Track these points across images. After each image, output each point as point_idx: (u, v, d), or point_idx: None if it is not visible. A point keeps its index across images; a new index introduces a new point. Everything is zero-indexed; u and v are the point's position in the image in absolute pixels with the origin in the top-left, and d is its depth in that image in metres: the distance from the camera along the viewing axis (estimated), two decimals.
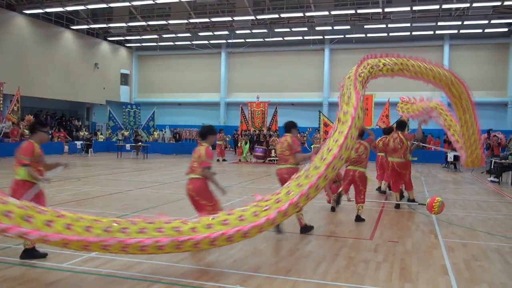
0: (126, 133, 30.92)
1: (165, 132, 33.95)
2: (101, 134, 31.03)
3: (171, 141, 31.31)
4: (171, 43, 33.91)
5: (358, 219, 8.05)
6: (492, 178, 15.57)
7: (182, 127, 34.53)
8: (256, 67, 33.53)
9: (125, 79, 36.06)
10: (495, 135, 22.40)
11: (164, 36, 32.48)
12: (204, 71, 34.96)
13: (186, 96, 35.10)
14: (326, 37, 30.95)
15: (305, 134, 24.89)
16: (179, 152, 28.19)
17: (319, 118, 23.96)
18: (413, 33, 28.51)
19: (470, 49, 29.21)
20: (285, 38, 31.15)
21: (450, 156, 19.33)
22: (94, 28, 31.44)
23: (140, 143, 25.25)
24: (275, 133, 23.34)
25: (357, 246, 6.35)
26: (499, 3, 22.55)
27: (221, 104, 34.11)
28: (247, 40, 32.31)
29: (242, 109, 25.17)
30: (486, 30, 27.26)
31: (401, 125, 10.07)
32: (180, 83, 35.38)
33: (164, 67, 36.03)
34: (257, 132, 24.75)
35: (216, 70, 34.38)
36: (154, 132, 31.29)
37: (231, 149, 30.97)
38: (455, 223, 8.16)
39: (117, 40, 34.37)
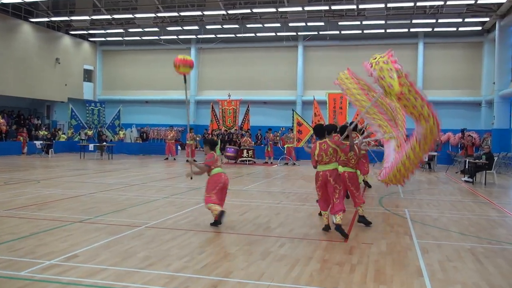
0: (89, 133, 30.39)
1: (131, 131, 33.52)
2: (63, 133, 30.36)
3: (138, 141, 30.93)
4: (138, 38, 33.46)
5: (363, 220, 8.04)
6: (466, 178, 15.99)
7: (149, 126, 34.17)
8: (228, 64, 33.47)
9: (88, 75, 35.38)
10: (469, 135, 23.09)
11: (131, 30, 32.02)
12: (173, 68, 34.55)
13: (154, 93, 34.71)
14: (299, 33, 31.15)
15: (278, 134, 25.00)
16: (146, 152, 27.87)
17: (293, 117, 24.11)
18: (388, 30, 29.01)
19: (444, 48, 29.93)
20: (258, 34, 31.19)
21: (425, 155, 19.78)
22: (55, 21, 30.70)
23: (104, 143, 24.86)
24: (247, 132, 23.36)
25: (331, 248, 6.42)
26: (472, 2, 23.18)
27: (191, 102, 33.88)
28: (218, 35, 32.20)
29: (212, 108, 25.09)
30: (460, 29, 27.98)
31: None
32: (147, 80, 34.95)
33: (130, 63, 35.53)
34: (227, 131, 24.71)
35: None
36: (120, 132, 30.85)
37: (201, 149, 30.79)
38: (429, 223, 8.35)
39: (80, 34, 33.68)
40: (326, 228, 7.47)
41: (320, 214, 8.35)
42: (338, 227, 7.08)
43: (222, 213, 7.58)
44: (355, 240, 6.95)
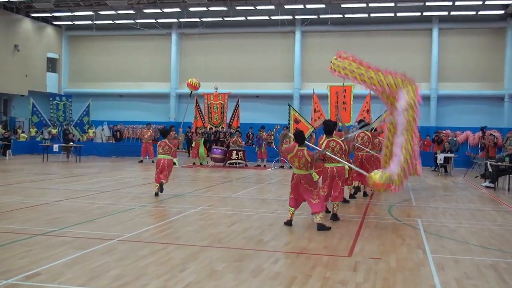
0: (54, 131, 30.16)
1: (102, 129, 33.35)
2: (23, 132, 30.14)
3: (110, 141, 30.79)
4: (110, 22, 33.28)
5: (335, 217, 9.34)
6: (487, 183, 16.09)
7: (123, 124, 33.99)
8: (214, 52, 33.40)
9: (52, 64, 35.14)
10: (491, 134, 23.22)
11: (102, 13, 31.84)
12: (151, 56, 34.53)
13: (129, 86, 34.54)
14: (297, 17, 31.17)
15: (272, 132, 24.99)
16: (120, 154, 27.75)
17: (289, 113, 24.12)
18: (398, 14, 29.12)
19: (461, 34, 30.07)
20: (248, 18, 31.16)
21: (440, 157, 19.87)
22: (13, 1, 30.48)
23: (71, 143, 24.71)
24: (237, 131, 23.35)
25: (333, 264, 6.42)
26: None
27: (172, 96, 33.78)
28: (203, 19, 32.13)
29: (197, 102, 25.01)
30: (480, 12, 28.14)
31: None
32: (121, 71, 34.78)
33: (101, 50, 35.33)
34: (214, 129, 24.67)
35: (166, 55, 34.02)
36: (89, 130, 30.67)
37: (183, 150, 30.74)
38: (445, 235, 8.39)
39: (42, 17, 33.42)
40: (288, 223, 8.88)
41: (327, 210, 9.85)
42: (320, 226, 8.49)
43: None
44: (360, 254, 6.96)
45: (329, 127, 9.55)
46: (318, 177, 9.12)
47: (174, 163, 12.75)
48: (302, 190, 8.68)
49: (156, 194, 12.20)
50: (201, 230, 8.37)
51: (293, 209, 8.91)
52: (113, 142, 30.25)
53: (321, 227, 8.48)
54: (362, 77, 9.58)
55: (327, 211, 9.94)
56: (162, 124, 33.26)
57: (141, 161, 23.57)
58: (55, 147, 24.36)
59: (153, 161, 23.37)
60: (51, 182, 15.07)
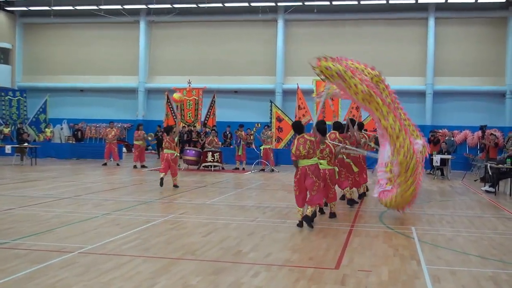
0: (6, 130, 29.77)
1: (61, 128, 33.01)
2: None
3: (70, 141, 30.46)
4: (71, 8, 32.95)
5: (333, 215, 10.51)
6: (487, 188, 16.30)
7: (85, 122, 33.72)
8: (187, 43, 33.31)
9: (4, 56, 34.66)
10: (491, 133, 23.52)
11: None
12: (117, 47, 34.31)
13: (92, 80, 34.27)
14: (279, 4, 31.26)
15: (252, 132, 25.01)
16: (82, 155, 27.47)
17: (271, 110, 24.25)
18: (390, 1, 29.41)
19: (459, 24, 30.45)
20: (226, 5, 31.17)
21: (436, 159, 20.08)
22: None
23: (26, 144, 24.40)
24: (213, 130, 23.30)
25: (318, 277, 6.45)
26: None
27: (140, 91, 33.60)
28: (175, 5, 32.05)
29: (168, 98, 24.92)
30: (480, 0, 28.56)
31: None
32: (83, 63, 34.48)
33: (60, 40, 34.98)
34: (187, 128, 24.60)
35: (133, 45, 33.82)
36: (46, 129, 30.33)
37: (153, 151, 30.57)
38: (441, 245, 8.49)
39: None
40: (300, 225, 9.59)
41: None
42: (306, 218, 9.43)
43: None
44: (348, 267, 7.00)
45: (296, 127, 10.18)
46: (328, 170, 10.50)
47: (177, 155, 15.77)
48: (306, 179, 9.54)
49: (161, 184, 14.92)
50: (173, 240, 8.34)
51: (302, 209, 9.71)
52: (73, 142, 29.89)
53: (307, 220, 9.42)
54: (354, 90, 10.14)
55: (322, 211, 11.04)
56: (128, 123, 33.18)
57: (105, 164, 23.38)
58: (7, 148, 24.03)
59: (118, 164, 23.26)
60: (2, 187, 14.87)
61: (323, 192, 10.10)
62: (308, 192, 9.64)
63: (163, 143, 15.86)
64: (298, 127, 9.98)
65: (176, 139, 16.18)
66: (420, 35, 30.50)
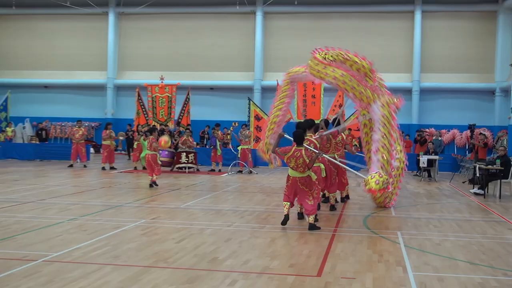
0: None
1: (24, 127, 32.64)
2: None
3: (33, 141, 30.15)
4: None
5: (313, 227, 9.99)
6: (475, 190, 16.46)
7: (50, 121, 33.40)
8: (160, 36, 33.17)
9: None
10: (480, 133, 23.82)
11: None
12: (84, 40, 34.03)
13: (57, 75, 33.96)
14: None
15: (229, 131, 25.00)
16: (46, 157, 27.20)
17: (249, 108, 24.24)
18: None
19: (447, 18, 30.80)
20: None
21: (423, 160, 20.25)
22: None
23: None
24: (187, 129, 23.22)
25: (300, 285, 6.45)
26: None
27: (109, 88, 33.38)
28: None
29: (139, 95, 24.80)
30: None
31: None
32: (47, 57, 34.17)
33: (23, 32, 34.61)
34: (159, 127, 24.48)
35: (102, 38, 33.58)
36: (7, 128, 29.96)
37: (123, 152, 30.39)
38: (429, 250, 8.56)
39: None
40: (285, 221, 9.94)
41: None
42: (312, 226, 9.79)
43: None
44: (331, 274, 7.03)
45: (297, 138, 10.16)
46: (316, 176, 10.32)
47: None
48: (298, 191, 9.96)
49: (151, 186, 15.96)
50: (144, 247, 8.30)
51: (288, 203, 10.10)
52: (37, 142, 29.59)
53: (312, 227, 9.80)
54: (337, 81, 11.04)
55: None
56: (96, 121, 32.94)
57: (71, 166, 23.16)
58: None
59: (85, 166, 23.07)
60: None
61: (319, 198, 10.67)
62: (301, 202, 10.13)
63: (147, 144, 16.51)
64: (300, 138, 9.98)
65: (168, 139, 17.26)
66: (406, 30, 30.78)
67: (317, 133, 11.63)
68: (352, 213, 12.21)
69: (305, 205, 9.92)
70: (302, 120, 14.45)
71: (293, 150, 9.83)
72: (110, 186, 16.84)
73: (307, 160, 9.72)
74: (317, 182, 10.51)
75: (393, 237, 9.53)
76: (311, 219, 9.86)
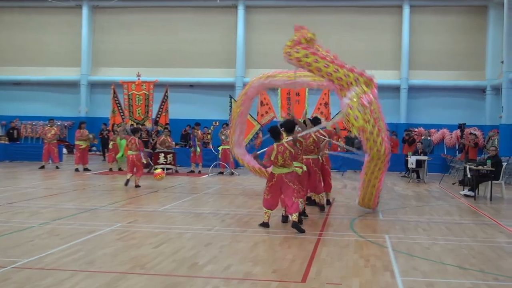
0: None
1: None
2: None
3: (3, 141, 29.87)
4: None
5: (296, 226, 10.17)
6: (466, 191, 16.60)
7: (20, 120, 33.10)
8: (136, 30, 33.01)
9: None
10: (471, 132, 24.01)
11: None
12: (57, 35, 33.77)
13: (28, 71, 33.65)
14: None
15: (210, 131, 24.96)
16: (16, 157, 26.97)
17: (230, 106, 24.15)
18: None
19: (436, 13, 30.97)
20: None
21: (412, 160, 20.36)
22: None
23: None
24: (166, 128, 23.15)
25: None
26: None
27: (82, 85, 33.16)
28: None
29: (114, 92, 24.67)
30: None
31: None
32: (18, 52, 33.85)
33: None
34: (136, 126, 24.37)
35: (75, 33, 33.34)
36: None
37: (98, 152, 30.22)
38: (417, 254, 8.62)
39: None
40: (265, 225, 10.36)
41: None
42: (294, 225, 9.95)
43: None
44: (316, 279, 7.05)
45: (273, 133, 10.50)
46: (301, 170, 10.88)
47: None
48: (284, 188, 10.17)
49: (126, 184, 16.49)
50: (120, 252, 8.27)
51: (270, 211, 10.44)
52: (7, 142, 29.35)
53: (296, 226, 9.99)
54: (321, 72, 11.28)
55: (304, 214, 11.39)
56: (69, 120, 32.72)
57: (43, 167, 22.99)
58: None
59: (57, 167, 22.92)
60: None
61: (303, 196, 10.92)
62: (285, 199, 10.28)
63: (127, 144, 17.31)
64: (276, 133, 10.34)
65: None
66: (394, 25, 30.91)
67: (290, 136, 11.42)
68: (338, 216, 12.25)
69: (288, 202, 10.11)
70: (284, 120, 14.46)
71: (275, 147, 10.11)
72: (84, 188, 16.73)
73: (293, 150, 10.16)
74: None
75: (380, 241, 9.58)
76: (294, 217, 10.01)
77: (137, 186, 16.71)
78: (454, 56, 30.47)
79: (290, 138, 10.64)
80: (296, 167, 10.66)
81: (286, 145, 10.13)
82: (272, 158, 10.13)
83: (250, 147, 20.30)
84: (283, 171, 10.16)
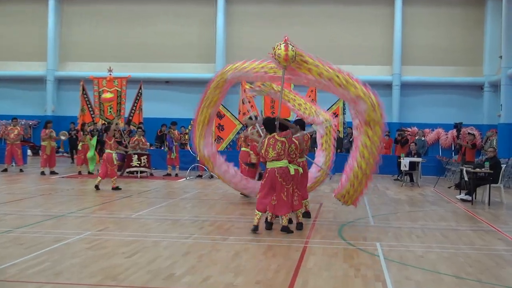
0: None
1: None
2: None
3: None
4: None
5: (301, 226, 10.97)
6: (462, 196, 16.69)
7: None
8: (108, 22, 32.90)
9: None
10: (468, 132, 24.15)
11: None
12: (21, 27, 33.56)
13: None
14: None
15: (187, 130, 24.90)
16: None
17: None
18: None
19: (431, 4, 31.17)
20: None
21: (405, 162, 20.45)
22: None
23: None
24: (139, 128, 23.08)
25: None
26: None
27: (49, 81, 32.98)
28: None
29: (84, 89, 24.54)
30: None
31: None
32: None
33: None
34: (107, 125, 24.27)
35: (41, 25, 33.16)
36: None
37: (65, 154, 30.06)
38: (411, 263, 8.66)
39: None
40: (255, 229, 10.52)
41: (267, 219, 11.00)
42: (284, 228, 10.45)
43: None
44: None
45: (267, 125, 10.97)
46: (302, 170, 11.44)
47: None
48: (276, 184, 10.45)
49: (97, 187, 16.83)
50: (90, 263, 8.22)
51: (260, 213, 10.59)
52: None
53: (285, 229, 10.47)
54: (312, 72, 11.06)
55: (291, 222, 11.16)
56: (34, 119, 32.52)
57: (5, 170, 22.84)
58: None
59: (21, 170, 22.75)
60: None
61: (292, 197, 10.84)
62: (275, 199, 10.49)
63: (105, 144, 17.75)
64: (271, 125, 10.73)
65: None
66: (386, 17, 31.06)
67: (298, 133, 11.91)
68: (325, 223, 12.27)
69: (279, 205, 10.41)
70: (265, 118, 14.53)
71: (266, 140, 10.56)
72: (51, 193, 16.63)
73: (285, 140, 10.55)
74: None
75: (371, 249, 9.61)
76: (284, 220, 10.47)
77: (114, 188, 16.99)
78: (449, 51, 30.66)
79: (298, 134, 11.43)
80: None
81: (277, 137, 10.49)
82: (262, 151, 10.50)
83: (234, 148, 20.39)
84: (276, 165, 10.42)
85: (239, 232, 10.71)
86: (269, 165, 10.55)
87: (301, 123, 12.64)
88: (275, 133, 10.62)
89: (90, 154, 21.92)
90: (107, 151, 17.38)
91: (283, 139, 10.58)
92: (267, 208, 10.65)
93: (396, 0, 30.71)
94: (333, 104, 22.26)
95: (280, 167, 10.43)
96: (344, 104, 21.86)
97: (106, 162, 17.22)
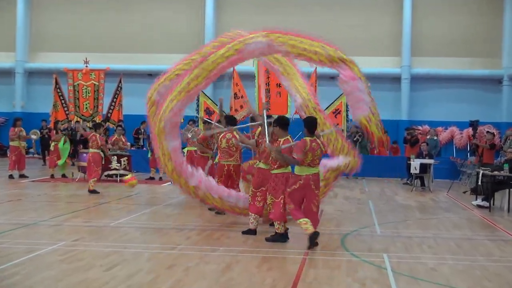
0: None
1: None
2: None
3: None
4: None
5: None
6: (479, 202, 16.67)
7: None
8: (84, 9, 32.90)
9: None
10: (487, 131, 24.12)
11: None
12: None
13: None
14: None
15: None
16: None
17: (197, 100, 24.09)
18: None
19: None
20: None
21: (415, 164, 20.43)
22: None
23: None
24: (119, 126, 23.05)
25: None
26: None
27: (18, 73, 32.96)
28: None
29: (57, 83, 24.53)
30: None
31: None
32: None
33: None
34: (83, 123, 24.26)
35: (9, 10, 33.18)
36: None
37: (37, 155, 30.03)
38: (421, 277, 8.67)
39: None
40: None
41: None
42: (313, 235, 10.21)
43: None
44: None
45: (309, 125, 10.72)
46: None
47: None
48: (308, 193, 10.40)
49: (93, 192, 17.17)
50: (64, 276, 8.21)
51: (307, 219, 10.29)
52: None
53: (314, 237, 10.24)
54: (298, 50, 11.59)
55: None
56: (2, 116, 32.48)
57: None
58: None
59: None
60: None
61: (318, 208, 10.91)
62: (306, 209, 10.45)
63: (90, 142, 18.16)
64: (313, 126, 10.57)
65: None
66: (394, 4, 31.08)
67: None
68: (327, 231, 12.23)
69: (309, 215, 10.32)
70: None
71: (309, 142, 10.30)
72: (20, 199, 16.60)
73: (323, 148, 10.69)
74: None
75: (378, 261, 9.61)
76: (310, 228, 10.24)
77: (91, 191, 17.20)
78: (464, 41, 30.65)
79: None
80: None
81: (318, 141, 10.48)
82: (302, 156, 10.22)
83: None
84: (311, 171, 10.36)
85: (230, 242, 10.69)
86: (304, 171, 10.33)
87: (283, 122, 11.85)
88: (314, 136, 10.53)
89: (61, 162, 21.80)
90: (93, 150, 17.68)
91: (320, 142, 10.57)
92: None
93: None
94: (335, 100, 22.26)
95: (315, 173, 10.44)
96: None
97: (92, 163, 17.54)
